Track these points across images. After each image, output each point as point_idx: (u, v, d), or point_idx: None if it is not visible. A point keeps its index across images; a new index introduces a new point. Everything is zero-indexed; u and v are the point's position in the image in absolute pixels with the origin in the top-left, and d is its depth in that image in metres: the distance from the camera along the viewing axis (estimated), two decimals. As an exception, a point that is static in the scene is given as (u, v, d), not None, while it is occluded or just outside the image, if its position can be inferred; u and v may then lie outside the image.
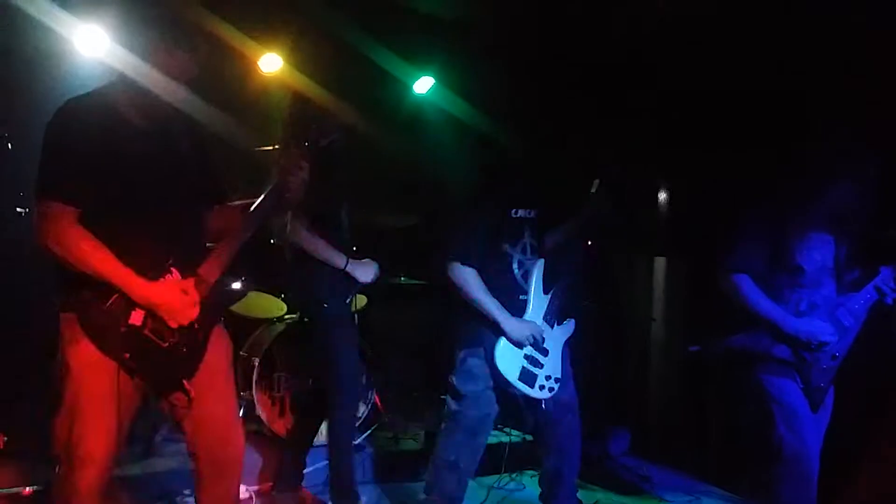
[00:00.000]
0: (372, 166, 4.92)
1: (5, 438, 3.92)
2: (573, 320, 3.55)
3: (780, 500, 3.17)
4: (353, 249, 3.79)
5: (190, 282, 2.49)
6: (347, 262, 3.69)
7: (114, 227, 2.40)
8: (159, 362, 2.46)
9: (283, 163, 2.61)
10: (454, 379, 3.41)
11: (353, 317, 3.99)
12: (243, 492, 3.85)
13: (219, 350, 2.66)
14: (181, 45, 2.45)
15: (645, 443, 5.16)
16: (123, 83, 2.46)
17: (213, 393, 2.62)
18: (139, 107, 2.48)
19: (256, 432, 4.46)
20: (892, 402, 3.79)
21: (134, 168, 2.44)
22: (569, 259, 3.49)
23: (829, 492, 3.32)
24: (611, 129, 4.89)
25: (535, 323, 3.38)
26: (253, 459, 4.12)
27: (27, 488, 3.59)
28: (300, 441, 4.00)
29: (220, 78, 2.60)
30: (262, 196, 2.63)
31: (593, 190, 3.45)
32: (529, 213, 3.49)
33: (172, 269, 2.49)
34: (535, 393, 3.35)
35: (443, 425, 3.48)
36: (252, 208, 2.62)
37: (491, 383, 3.36)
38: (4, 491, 3.58)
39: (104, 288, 2.36)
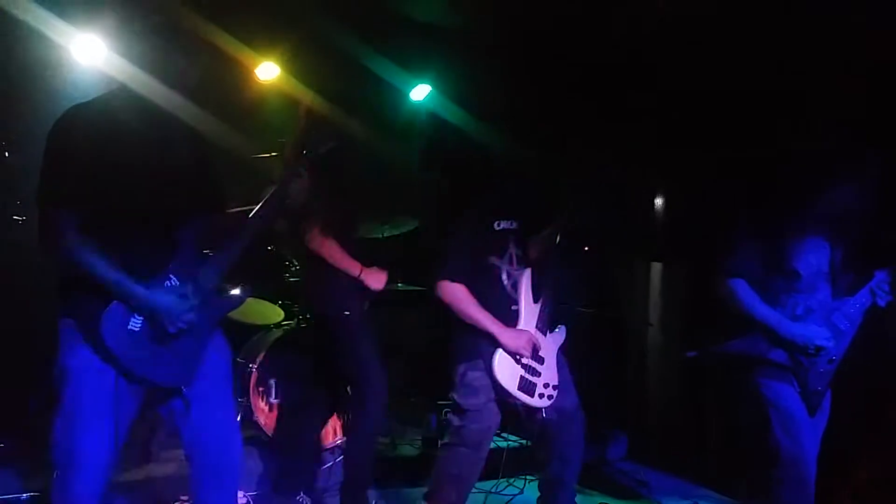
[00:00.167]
0: (367, 172, 4.93)
1: (2, 444, 3.92)
2: (564, 327, 3.55)
3: (777, 504, 3.17)
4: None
5: (189, 289, 2.50)
6: (362, 271, 3.71)
7: (114, 233, 2.41)
8: (157, 368, 2.47)
9: (283, 170, 2.63)
10: (455, 395, 3.41)
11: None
12: (241, 497, 3.85)
13: (217, 356, 2.66)
14: (181, 52, 2.46)
15: (643, 447, 5.16)
16: (124, 91, 2.48)
17: (211, 399, 2.63)
18: (140, 114, 2.49)
19: (254, 438, 4.46)
20: (889, 404, 3.81)
21: (134, 175, 2.45)
22: (556, 266, 3.50)
23: (826, 494, 3.32)
24: (607, 132, 4.90)
25: (530, 332, 3.39)
26: (250, 465, 4.12)
27: (24, 494, 3.59)
28: (299, 445, 4.01)
29: (217, 86, 2.61)
30: (262, 203, 2.65)
31: (569, 201, 3.49)
32: (512, 224, 3.51)
33: (171, 276, 2.50)
34: (535, 402, 3.35)
35: (446, 439, 3.47)
36: (251, 215, 2.63)
37: (492, 395, 3.35)
38: (2, 497, 3.58)
39: (103, 293, 2.37)
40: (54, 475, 2.45)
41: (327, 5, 4.75)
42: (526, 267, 3.48)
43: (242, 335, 4.74)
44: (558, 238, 3.51)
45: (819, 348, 3.14)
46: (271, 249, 4.91)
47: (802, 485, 3.14)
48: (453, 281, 3.34)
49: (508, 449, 4.29)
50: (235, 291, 2.76)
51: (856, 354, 3.23)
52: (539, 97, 5.22)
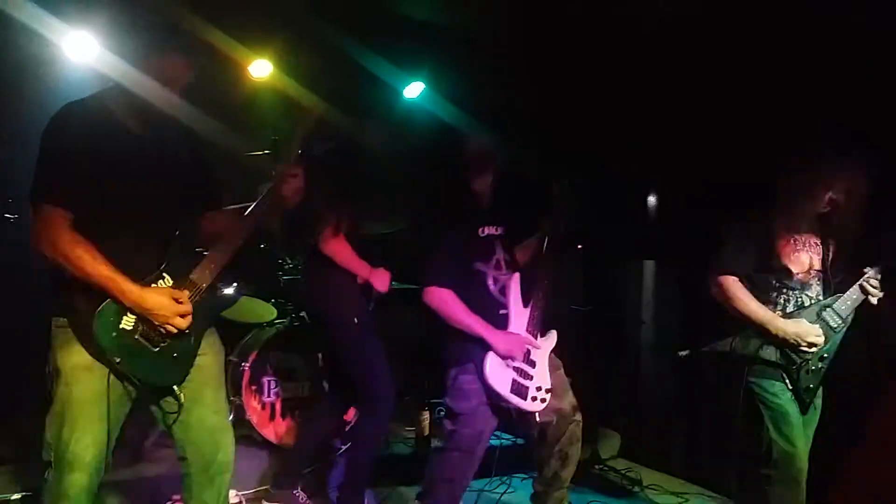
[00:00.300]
0: (360, 171, 4.92)
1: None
2: (555, 332, 3.54)
3: (769, 503, 3.18)
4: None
5: (184, 292, 2.49)
6: (371, 272, 3.73)
7: (107, 231, 2.40)
8: (150, 367, 2.46)
9: (278, 170, 2.63)
10: (447, 399, 3.40)
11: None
12: (233, 497, 3.85)
13: (210, 355, 2.66)
14: (176, 50, 2.45)
15: (635, 445, 5.18)
16: (119, 88, 2.47)
17: (204, 398, 2.63)
18: (135, 112, 2.49)
19: (246, 437, 4.46)
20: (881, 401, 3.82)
21: (128, 173, 2.45)
22: (548, 270, 3.49)
23: (818, 493, 3.34)
24: (601, 132, 4.91)
25: (521, 334, 3.38)
26: (243, 464, 4.10)
27: (16, 494, 3.58)
28: (302, 447, 4.03)
29: (209, 83, 2.60)
30: (256, 202, 2.65)
31: (556, 192, 3.50)
32: (497, 230, 3.50)
33: (165, 275, 2.50)
34: (527, 405, 3.33)
35: (439, 443, 3.47)
36: (246, 214, 2.63)
37: (484, 399, 3.33)
38: (-6, 497, 3.58)
39: (96, 292, 2.36)
40: (46, 475, 2.45)
41: (321, 2, 4.74)
42: (514, 271, 3.47)
43: (235, 334, 4.73)
44: (545, 245, 3.52)
45: (811, 345, 3.15)
46: (264, 247, 4.91)
47: (794, 483, 3.15)
48: (440, 286, 3.30)
49: (501, 447, 4.28)
50: (229, 290, 2.76)
51: (848, 352, 3.25)
52: (532, 96, 5.22)
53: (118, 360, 2.38)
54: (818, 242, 3.28)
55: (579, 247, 5.19)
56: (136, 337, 2.42)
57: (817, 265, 3.27)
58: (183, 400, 2.54)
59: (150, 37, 2.43)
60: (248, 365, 4.50)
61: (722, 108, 4.31)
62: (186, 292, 2.50)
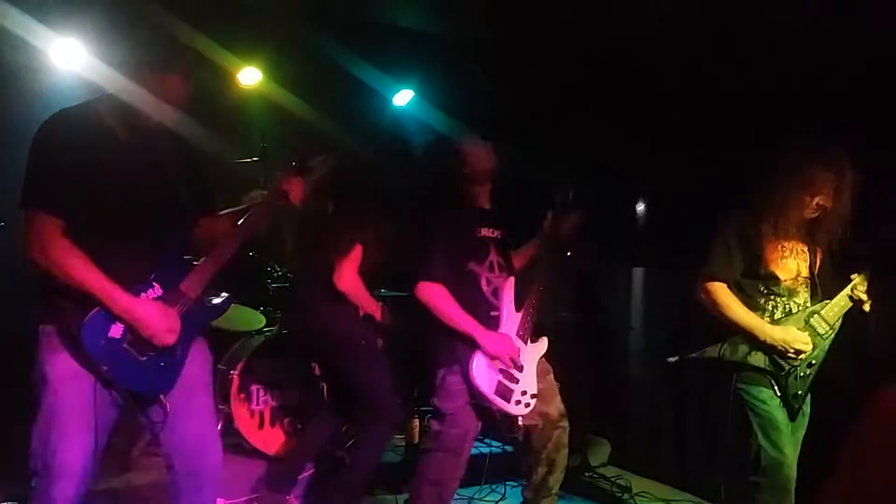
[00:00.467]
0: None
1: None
2: (546, 339, 3.54)
3: (758, 509, 3.19)
4: None
5: (173, 310, 2.48)
6: (380, 310, 3.83)
7: (98, 239, 2.39)
8: (137, 376, 2.45)
9: (274, 182, 2.64)
10: (435, 399, 3.39)
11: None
12: (222, 505, 3.83)
13: (198, 363, 2.65)
14: (176, 69, 2.45)
15: (624, 453, 5.18)
16: (110, 98, 2.46)
17: (191, 406, 2.62)
18: (125, 120, 2.48)
19: (235, 446, 4.44)
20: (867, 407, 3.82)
21: (119, 181, 2.44)
22: (545, 277, 3.50)
23: (807, 500, 3.34)
24: (591, 137, 4.92)
25: (510, 336, 3.38)
26: (231, 473, 4.08)
27: (2, 502, 3.54)
28: (298, 455, 4.01)
29: (199, 90, 2.59)
30: (249, 213, 2.65)
31: (560, 200, 3.54)
32: (494, 233, 3.50)
33: (154, 284, 2.49)
34: (511, 408, 3.33)
35: (427, 444, 3.46)
36: (237, 224, 2.63)
37: (469, 399, 3.34)
38: (-21, 506, 3.54)
39: (84, 300, 2.35)
40: (32, 483, 2.43)
41: (310, 10, 4.74)
42: (509, 275, 3.48)
43: (224, 342, 4.71)
44: (541, 252, 3.53)
45: (798, 352, 3.16)
46: (253, 255, 4.89)
47: (783, 490, 3.16)
48: (433, 282, 3.29)
49: (491, 455, 4.28)
50: (218, 300, 2.74)
51: (836, 358, 3.26)
52: (523, 101, 5.23)
53: (105, 368, 2.37)
54: (806, 249, 3.30)
55: (569, 253, 5.19)
56: (125, 346, 2.41)
57: (805, 272, 3.28)
58: (169, 409, 2.53)
59: (157, 55, 2.42)
60: (236, 373, 4.48)
61: (710, 115, 4.32)
62: (176, 309, 2.49)
